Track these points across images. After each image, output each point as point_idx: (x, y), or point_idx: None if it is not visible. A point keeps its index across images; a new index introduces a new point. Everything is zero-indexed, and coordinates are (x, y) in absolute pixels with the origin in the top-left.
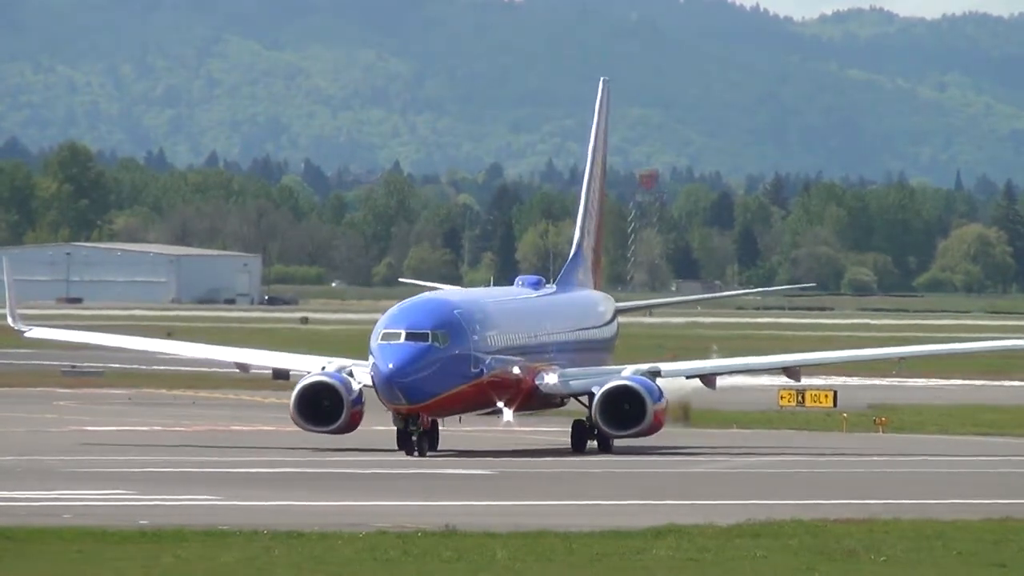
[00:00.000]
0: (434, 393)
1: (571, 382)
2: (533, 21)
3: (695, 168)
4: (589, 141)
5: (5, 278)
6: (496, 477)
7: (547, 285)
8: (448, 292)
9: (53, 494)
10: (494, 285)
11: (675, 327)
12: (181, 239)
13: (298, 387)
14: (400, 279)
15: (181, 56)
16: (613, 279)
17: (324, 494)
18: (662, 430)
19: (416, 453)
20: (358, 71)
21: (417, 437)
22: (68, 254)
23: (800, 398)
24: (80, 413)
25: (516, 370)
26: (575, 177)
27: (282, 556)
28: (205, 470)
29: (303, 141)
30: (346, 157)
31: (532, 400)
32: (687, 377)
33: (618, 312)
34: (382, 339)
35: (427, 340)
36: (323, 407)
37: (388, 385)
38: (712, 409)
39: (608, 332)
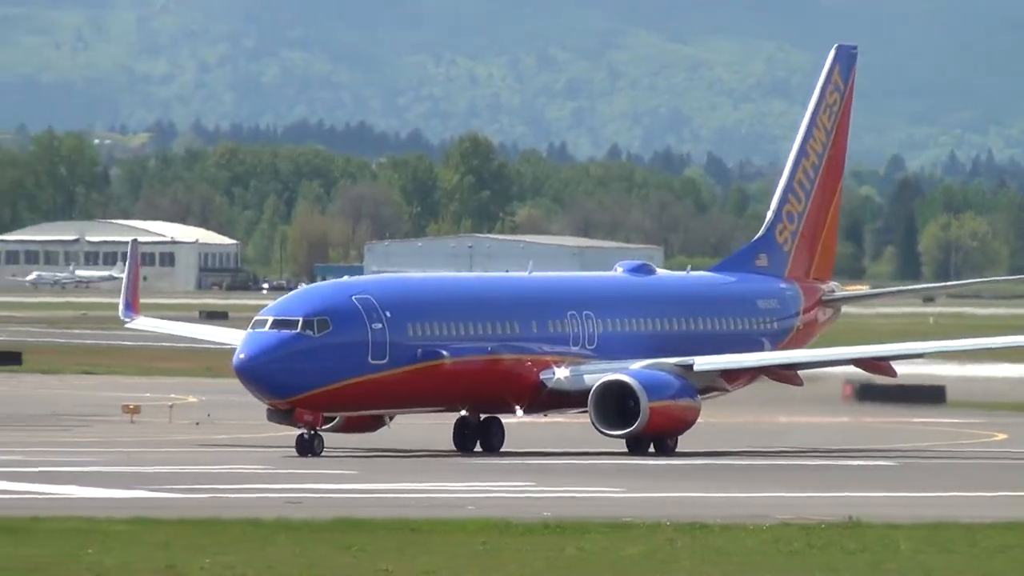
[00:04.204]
0: (311, 386)
1: (584, 377)
2: (931, 12)
3: None
4: (806, 113)
5: (128, 263)
6: (898, 468)
7: (679, 272)
8: (377, 276)
9: (456, 486)
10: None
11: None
12: (583, 231)
13: None
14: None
15: (583, 48)
16: (1015, 271)
17: (725, 485)
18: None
19: (309, 454)
20: (759, 63)
21: (309, 436)
22: (470, 246)
23: None
24: None
25: (528, 362)
26: (977, 168)
27: (685, 548)
28: (604, 462)
29: (704, 133)
30: (748, 149)
31: (540, 396)
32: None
33: (825, 304)
34: (251, 327)
35: (296, 328)
36: None
37: (239, 376)
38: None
39: (764, 327)
